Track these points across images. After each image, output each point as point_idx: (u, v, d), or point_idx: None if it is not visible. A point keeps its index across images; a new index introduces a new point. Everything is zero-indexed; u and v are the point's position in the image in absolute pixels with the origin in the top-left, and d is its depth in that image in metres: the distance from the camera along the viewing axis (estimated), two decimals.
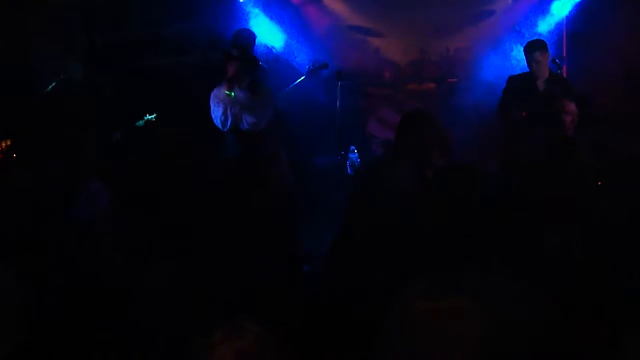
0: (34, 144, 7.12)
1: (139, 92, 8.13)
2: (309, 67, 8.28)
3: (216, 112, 7.13)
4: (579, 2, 8.90)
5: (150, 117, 7.60)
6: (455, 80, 9.22)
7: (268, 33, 9.11)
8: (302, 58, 9.02)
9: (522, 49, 8.81)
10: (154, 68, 8.82)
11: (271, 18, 9.14)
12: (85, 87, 8.50)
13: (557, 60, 7.39)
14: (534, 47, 7.30)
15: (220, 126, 7.13)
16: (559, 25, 9.04)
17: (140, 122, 7.64)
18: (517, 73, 7.69)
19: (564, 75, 8.42)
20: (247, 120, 7.05)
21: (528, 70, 7.43)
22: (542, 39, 7.71)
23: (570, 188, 3.92)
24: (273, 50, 9.09)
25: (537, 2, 9.35)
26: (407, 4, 9.17)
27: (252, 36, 8.12)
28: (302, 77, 8.19)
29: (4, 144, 7.12)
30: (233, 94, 7.03)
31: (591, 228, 3.59)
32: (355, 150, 7.86)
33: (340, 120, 8.30)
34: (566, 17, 9.03)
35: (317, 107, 8.66)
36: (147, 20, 8.98)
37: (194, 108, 7.61)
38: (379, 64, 9.48)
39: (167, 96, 7.93)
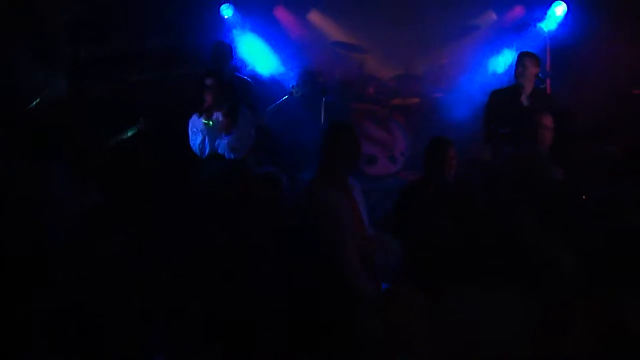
0: (19, 160, 7.10)
1: (122, 106, 8.11)
2: (292, 87, 8.28)
3: (194, 141, 7.11)
4: (564, 19, 8.98)
5: (134, 128, 7.57)
6: (440, 95, 9.25)
7: (252, 49, 9.14)
8: (286, 73, 9.03)
9: (506, 63, 8.98)
10: (138, 82, 8.80)
11: (255, 34, 9.17)
12: (69, 102, 8.49)
13: (540, 75, 7.38)
14: (525, 54, 7.29)
15: (198, 153, 7.11)
16: (543, 41, 9.09)
17: (129, 132, 7.63)
18: (499, 88, 7.69)
19: (548, 90, 8.45)
20: (228, 150, 7.03)
21: (511, 84, 7.45)
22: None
23: (540, 202, 3.94)
24: (257, 65, 9.11)
25: (521, 17, 9.43)
26: (391, 20, 9.20)
27: (228, 48, 8.07)
28: (286, 96, 8.19)
29: None
30: (212, 123, 7.01)
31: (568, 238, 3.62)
32: None
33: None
34: (550, 33, 9.10)
35: (302, 122, 8.66)
36: (132, 35, 8.97)
37: (178, 122, 7.61)
38: (363, 80, 9.49)
39: (150, 111, 7.91)
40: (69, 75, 8.91)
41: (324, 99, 8.28)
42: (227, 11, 9.13)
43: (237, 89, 7.71)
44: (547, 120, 6.36)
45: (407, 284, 3.02)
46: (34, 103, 7.92)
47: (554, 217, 3.95)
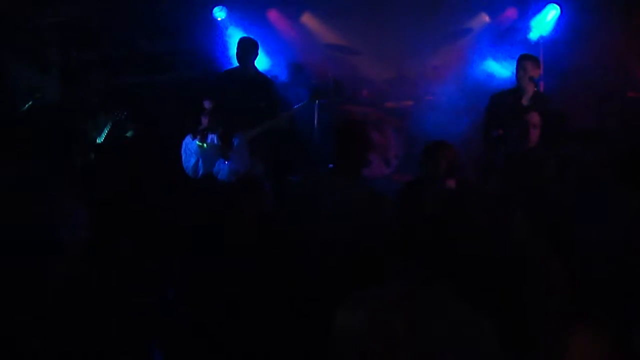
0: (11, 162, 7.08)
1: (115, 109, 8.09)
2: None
3: (187, 163, 7.07)
4: (557, 21, 8.99)
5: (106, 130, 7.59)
6: (433, 98, 9.24)
7: None
8: (281, 76, 9.01)
9: (498, 66, 8.98)
10: (130, 86, 8.78)
11: (248, 36, 9.14)
12: (62, 105, 8.47)
13: (533, 78, 7.38)
14: (526, 57, 7.29)
15: (191, 174, 7.08)
16: (536, 44, 9.09)
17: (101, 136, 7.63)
18: (498, 91, 7.68)
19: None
20: (230, 175, 7.01)
21: (509, 87, 7.46)
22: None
23: (533, 200, 3.95)
24: None
25: (514, 21, 9.44)
26: (384, 22, 9.20)
27: (253, 45, 8.03)
28: (304, 102, 8.17)
29: None
30: (206, 145, 6.98)
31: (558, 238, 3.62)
32: None
33: (318, 139, 8.29)
34: (543, 35, 9.11)
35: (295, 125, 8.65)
36: (124, 38, 8.95)
37: (169, 126, 7.59)
38: (356, 82, 9.49)
39: (143, 114, 7.90)
40: (61, 79, 8.89)
41: (317, 102, 8.27)
42: (219, 13, 9.12)
43: (259, 87, 7.71)
44: (535, 119, 6.36)
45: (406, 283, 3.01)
46: (26, 106, 7.91)
47: (548, 217, 3.95)
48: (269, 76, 8.18)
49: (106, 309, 3.37)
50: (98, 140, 7.57)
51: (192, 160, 7.03)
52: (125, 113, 7.64)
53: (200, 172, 7.03)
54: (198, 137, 6.98)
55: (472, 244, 3.45)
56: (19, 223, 4.06)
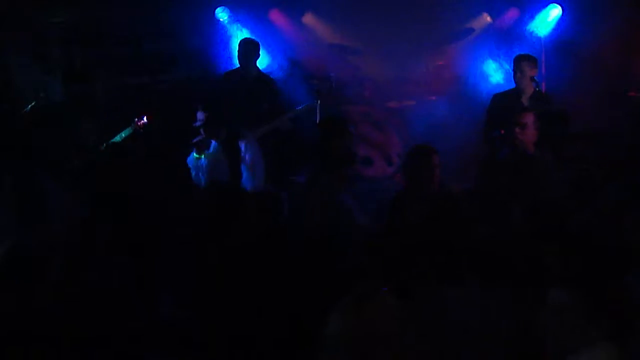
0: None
1: (118, 109, 8.09)
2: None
3: (192, 174, 7.08)
4: (558, 22, 9.00)
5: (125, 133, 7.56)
6: (434, 98, 9.24)
7: None
8: (276, 72, 9.00)
9: (501, 66, 8.98)
10: (134, 86, 8.79)
11: (251, 36, 9.16)
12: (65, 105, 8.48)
13: (535, 78, 7.38)
14: (522, 57, 7.30)
15: (197, 184, 7.07)
16: (537, 44, 9.09)
17: (117, 137, 7.61)
18: (500, 91, 7.68)
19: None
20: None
21: (511, 87, 7.46)
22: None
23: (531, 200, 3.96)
24: None
25: (516, 21, 9.44)
26: (386, 22, 9.19)
27: (255, 46, 8.04)
28: (307, 104, 8.19)
29: None
30: (203, 156, 6.96)
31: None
32: None
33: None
34: (545, 36, 9.11)
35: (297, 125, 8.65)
36: (128, 38, 8.95)
37: (173, 126, 7.60)
38: (358, 82, 9.48)
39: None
40: (64, 79, 8.89)
41: (318, 101, 8.27)
42: (222, 14, 9.14)
43: (262, 88, 7.72)
44: (527, 119, 6.31)
45: (384, 287, 3.02)
46: (29, 107, 7.92)
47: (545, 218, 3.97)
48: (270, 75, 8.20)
49: (106, 311, 3.39)
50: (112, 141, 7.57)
51: (193, 173, 7.01)
52: (143, 121, 7.62)
53: (203, 183, 7.01)
54: (195, 148, 6.95)
55: (471, 244, 3.47)
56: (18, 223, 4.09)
